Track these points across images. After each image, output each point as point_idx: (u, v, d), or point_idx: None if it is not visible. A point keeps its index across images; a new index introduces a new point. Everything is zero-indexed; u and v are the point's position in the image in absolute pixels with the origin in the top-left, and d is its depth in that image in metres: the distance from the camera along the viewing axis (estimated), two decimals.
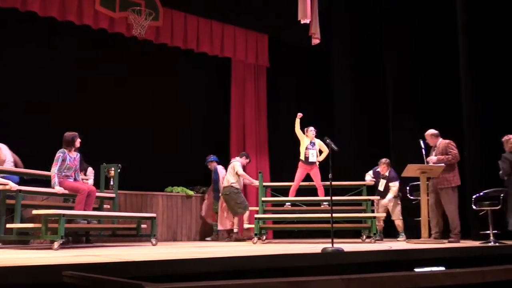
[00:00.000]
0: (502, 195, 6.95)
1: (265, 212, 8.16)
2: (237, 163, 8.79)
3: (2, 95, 7.88)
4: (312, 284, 2.37)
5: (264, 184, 8.45)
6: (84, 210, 6.22)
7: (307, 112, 9.92)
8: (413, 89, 9.21)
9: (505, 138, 7.18)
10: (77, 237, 7.24)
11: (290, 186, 8.58)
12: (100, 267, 3.36)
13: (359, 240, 7.73)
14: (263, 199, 8.16)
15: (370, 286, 2.53)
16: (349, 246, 5.81)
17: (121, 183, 8.65)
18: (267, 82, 10.90)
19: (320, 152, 8.40)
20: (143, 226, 7.16)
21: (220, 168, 9.17)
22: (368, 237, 7.57)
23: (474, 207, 7.21)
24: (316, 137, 8.41)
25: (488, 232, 6.90)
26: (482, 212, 7.14)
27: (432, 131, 7.66)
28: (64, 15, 8.26)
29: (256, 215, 7.76)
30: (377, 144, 9.81)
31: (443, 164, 7.32)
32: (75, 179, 6.45)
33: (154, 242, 6.80)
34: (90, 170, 7.75)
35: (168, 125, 9.63)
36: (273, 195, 8.71)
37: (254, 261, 4.11)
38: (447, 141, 7.56)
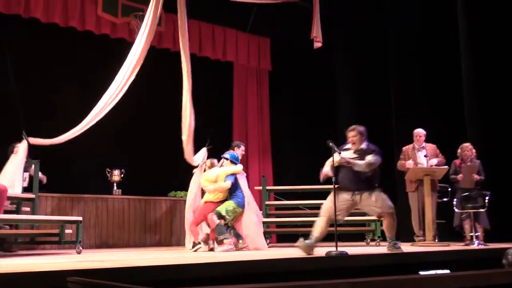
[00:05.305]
0: (487, 197, 6.94)
1: (268, 216, 8.16)
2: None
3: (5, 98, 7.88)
4: None
5: (268, 188, 8.45)
6: None
7: (310, 116, 9.95)
8: (416, 93, 9.20)
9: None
10: None
11: (294, 190, 8.57)
12: (105, 272, 3.36)
13: (364, 244, 7.72)
14: (267, 202, 8.16)
15: None
16: (353, 249, 5.80)
17: (125, 188, 8.70)
18: (270, 86, 10.88)
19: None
20: (68, 231, 6.30)
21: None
22: (372, 240, 7.56)
23: (455, 209, 7.22)
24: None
25: (471, 234, 6.92)
26: (464, 215, 7.14)
27: (424, 131, 7.65)
28: (67, 21, 8.27)
29: None
30: (379, 147, 9.77)
31: (446, 166, 7.35)
32: None
33: (78, 250, 5.82)
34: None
35: (170, 130, 9.60)
36: (276, 199, 8.71)
37: (258, 265, 4.11)
38: (434, 145, 7.61)
